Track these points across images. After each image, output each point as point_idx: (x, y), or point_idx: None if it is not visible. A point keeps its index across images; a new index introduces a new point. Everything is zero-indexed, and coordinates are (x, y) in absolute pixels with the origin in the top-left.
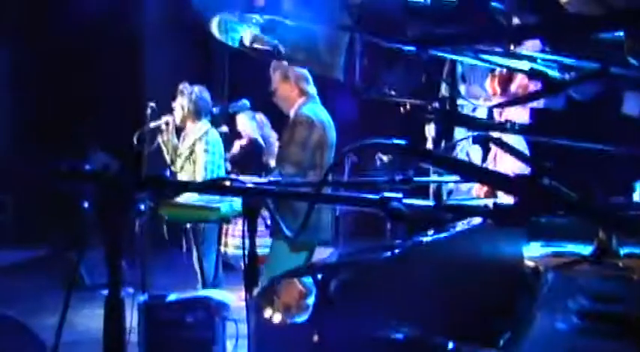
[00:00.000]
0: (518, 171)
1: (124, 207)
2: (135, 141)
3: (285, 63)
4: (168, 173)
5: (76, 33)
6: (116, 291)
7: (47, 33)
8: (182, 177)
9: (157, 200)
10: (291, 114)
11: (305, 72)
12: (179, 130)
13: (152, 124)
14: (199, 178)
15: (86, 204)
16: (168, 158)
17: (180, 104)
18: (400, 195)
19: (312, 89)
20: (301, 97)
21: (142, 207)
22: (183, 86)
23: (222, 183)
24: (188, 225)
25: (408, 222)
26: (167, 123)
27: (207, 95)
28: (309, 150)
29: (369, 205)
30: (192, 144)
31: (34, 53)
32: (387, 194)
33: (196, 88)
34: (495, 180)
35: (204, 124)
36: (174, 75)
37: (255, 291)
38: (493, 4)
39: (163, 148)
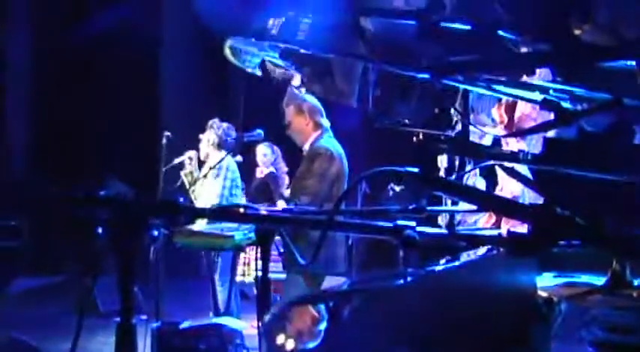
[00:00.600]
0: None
1: (138, 233)
2: (161, 182)
3: (298, 94)
4: (183, 199)
5: (93, 60)
6: (128, 317)
7: (64, 59)
8: (198, 204)
9: (171, 226)
10: (306, 146)
11: (318, 104)
12: (201, 163)
13: (176, 161)
14: (212, 203)
15: (100, 230)
16: (190, 191)
17: (207, 138)
18: (414, 224)
19: (325, 122)
20: (316, 131)
21: (156, 233)
22: (213, 122)
23: (236, 210)
24: (202, 253)
25: (421, 250)
26: (190, 158)
27: (233, 133)
28: (328, 182)
29: (383, 233)
30: (207, 171)
31: (50, 78)
32: (400, 222)
33: (225, 125)
34: (510, 208)
35: (222, 154)
36: (189, 104)
37: (266, 318)
38: (502, 33)
39: (185, 182)
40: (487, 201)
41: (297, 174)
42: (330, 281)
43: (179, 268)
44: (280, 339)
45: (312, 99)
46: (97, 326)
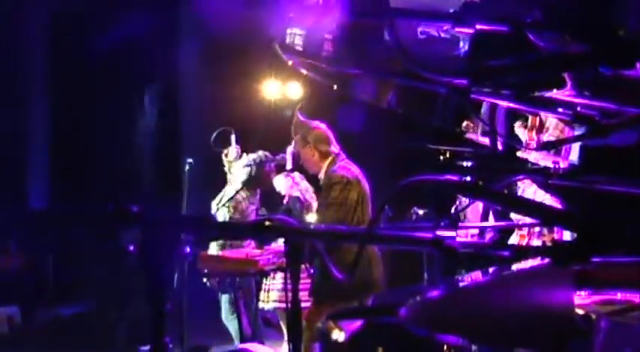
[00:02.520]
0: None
1: (170, 249)
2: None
3: (304, 123)
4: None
5: (113, 86)
6: (160, 337)
7: (84, 84)
8: None
9: (202, 242)
10: (321, 175)
11: (324, 132)
12: None
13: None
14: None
15: (131, 248)
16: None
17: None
18: (454, 234)
19: (334, 148)
20: (324, 160)
21: (188, 249)
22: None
23: (269, 225)
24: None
25: (461, 261)
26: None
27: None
28: (348, 208)
29: (423, 244)
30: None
31: (68, 104)
32: (439, 232)
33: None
34: (553, 216)
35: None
36: (208, 130)
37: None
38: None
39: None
40: (533, 209)
41: (318, 205)
42: None
43: (202, 293)
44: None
45: (320, 128)
46: None
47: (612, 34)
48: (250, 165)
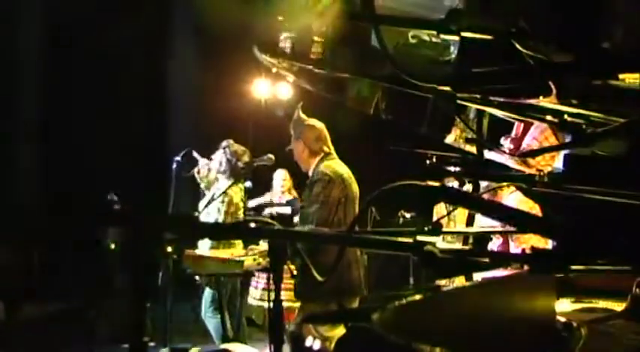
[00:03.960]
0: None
1: (152, 248)
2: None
3: (301, 121)
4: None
5: (101, 82)
6: (140, 336)
7: (72, 78)
8: None
9: (185, 241)
10: (310, 173)
11: (319, 130)
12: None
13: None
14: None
15: (113, 246)
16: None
17: (219, 160)
18: (435, 240)
19: (326, 147)
20: (314, 157)
21: (169, 249)
22: (228, 143)
23: (253, 226)
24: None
25: (440, 267)
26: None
27: (246, 158)
28: (330, 207)
29: (403, 249)
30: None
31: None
32: (420, 238)
33: (237, 147)
34: (533, 224)
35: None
36: (198, 127)
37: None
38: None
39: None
40: (514, 217)
41: (302, 202)
42: None
43: (185, 293)
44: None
45: (315, 126)
46: None
47: (597, 45)
48: (224, 157)
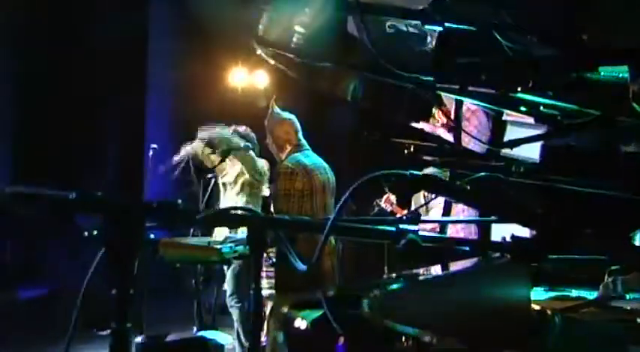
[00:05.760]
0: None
1: (135, 236)
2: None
3: (275, 113)
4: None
5: (79, 69)
6: (124, 324)
7: (48, 67)
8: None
9: (169, 229)
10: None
11: (287, 124)
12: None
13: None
14: None
15: (95, 233)
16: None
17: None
18: (416, 228)
19: (295, 140)
20: (282, 151)
21: (152, 236)
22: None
23: (234, 213)
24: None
25: (420, 254)
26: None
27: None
28: (294, 199)
29: (385, 237)
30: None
31: (31, 83)
32: (402, 226)
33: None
34: (515, 214)
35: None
36: (177, 115)
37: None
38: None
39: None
40: (495, 206)
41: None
42: None
43: (160, 280)
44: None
45: (284, 120)
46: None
47: (578, 38)
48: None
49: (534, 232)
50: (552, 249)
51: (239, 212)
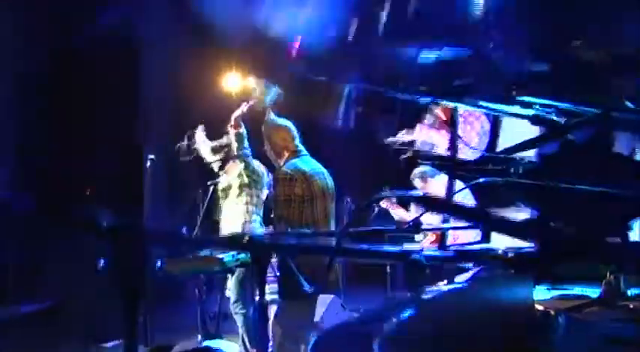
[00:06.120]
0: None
1: (141, 263)
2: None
3: (270, 120)
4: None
5: (77, 76)
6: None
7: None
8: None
9: (173, 256)
10: None
11: (284, 131)
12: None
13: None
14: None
15: (102, 262)
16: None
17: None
18: (420, 248)
19: (293, 146)
20: (280, 157)
21: (159, 263)
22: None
23: (240, 239)
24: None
25: (427, 274)
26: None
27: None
28: (295, 204)
29: (391, 258)
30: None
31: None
32: (407, 246)
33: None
34: (512, 228)
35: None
36: (173, 123)
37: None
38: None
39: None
40: (492, 221)
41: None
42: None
43: (165, 290)
44: None
45: (280, 126)
46: None
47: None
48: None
49: (536, 244)
50: (555, 261)
51: (245, 238)
